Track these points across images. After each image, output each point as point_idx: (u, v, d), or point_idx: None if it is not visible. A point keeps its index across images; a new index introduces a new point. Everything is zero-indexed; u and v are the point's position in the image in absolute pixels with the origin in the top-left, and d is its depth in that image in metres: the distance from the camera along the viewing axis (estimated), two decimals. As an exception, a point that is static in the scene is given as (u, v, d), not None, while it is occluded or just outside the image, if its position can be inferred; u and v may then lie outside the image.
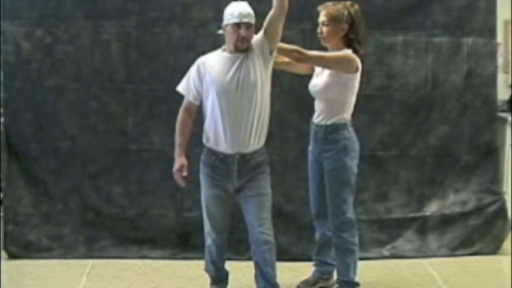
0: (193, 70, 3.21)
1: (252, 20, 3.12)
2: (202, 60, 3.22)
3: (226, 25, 3.12)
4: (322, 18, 3.36)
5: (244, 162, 3.16)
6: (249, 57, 3.13)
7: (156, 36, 4.14)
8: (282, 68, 3.47)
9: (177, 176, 3.26)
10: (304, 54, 3.30)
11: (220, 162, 3.17)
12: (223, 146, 3.15)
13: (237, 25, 3.08)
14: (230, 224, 3.36)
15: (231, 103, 3.10)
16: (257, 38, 3.15)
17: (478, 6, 4.27)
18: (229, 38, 3.12)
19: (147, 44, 4.15)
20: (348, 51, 3.32)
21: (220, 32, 3.20)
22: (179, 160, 3.24)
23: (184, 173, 3.23)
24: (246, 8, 3.11)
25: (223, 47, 3.21)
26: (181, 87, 3.26)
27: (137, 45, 4.14)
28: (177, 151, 3.26)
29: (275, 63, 3.28)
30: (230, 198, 3.27)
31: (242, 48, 3.11)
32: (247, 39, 3.10)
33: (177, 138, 3.26)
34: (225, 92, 3.10)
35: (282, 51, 3.30)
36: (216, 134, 3.15)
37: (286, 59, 3.39)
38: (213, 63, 3.16)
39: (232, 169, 3.16)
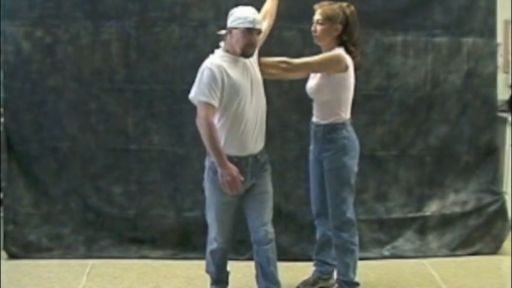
0: (212, 75, 3.03)
1: (262, 27, 3.12)
2: (216, 64, 3.07)
3: (236, 28, 3.07)
4: (317, 16, 3.36)
5: (256, 162, 3.17)
6: (250, 63, 3.18)
7: (156, 36, 4.14)
8: (276, 78, 3.45)
9: (233, 184, 3.05)
10: (291, 64, 3.30)
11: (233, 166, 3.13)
12: (238, 149, 3.11)
13: (249, 30, 3.06)
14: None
15: (248, 105, 3.10)
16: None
17: (478, 6, 4.27)
18: (238, 42, 3.08)
19: (147, 44, 4.14)
20: (339, 51, 3.31)
21: (223, 32, 3.17)
22: (231, 167, 3.04)
23: (242, 178, 3.08)
24: (257, 15, 3.10)
25: (225, 48, 3.16)
26: (204, 96, 3.02)
27: (137, 45, 4.14)
28: (222, 159, 3.03)
29: (267, 74, 3.30)
30: (237, 201, 3.25)
31: (249, 53, 3.11)
32: (255, 46, 3.11)
33: (216, 147, 3.02)
34: (246, 94, 3.09)
35: (269, 66, 3.29)
36: (232, 138, 3.10)
37: (273, 71, 3.34)
38: (228, 66, 3.09)
39: (246, 171, 3.14)
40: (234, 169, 3.05)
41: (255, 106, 3.14)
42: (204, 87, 3.04)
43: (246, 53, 3.10)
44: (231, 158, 3.11)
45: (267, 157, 3.26)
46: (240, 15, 3.07)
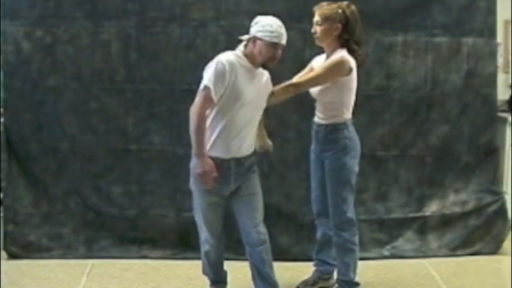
0: (222, 71, 3.00)
1: (285, 42, 3.13)
2: (231, 61, 3.04)
3: (261, 39, 3.05)
4: (316, 18, 3.36)
5: (240, 165, 3.16)
6: (264, 79, 3.19)
7: (156, 36, 4.14)
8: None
9: (205, 177, 3.04)
10: (298, 85, 3.33)
11: (216, 168, 3.11)
12: (222, 152, 3.11)
13: (275, 45, 3.06)
14: (229, 225, 3.35)
15: (245, 114, 3.09)
16: (271, 86, 3.25)
17: (478, 6, 4.27)
18: (261, 53, 3.07)
19: (147, 44, 4.14)
20: (340, 53, 3.31)
21: (245, 37, 3.14)
22: (206, 160, 3.03)
23: (215, 173, 3.06)
24: (283, 29, 3.09)
25: (244, 52, 3.12)
26: (211, 83, 3.00)
27: (137, 45, 4.14)
28: (200, 151, 3.02)
29: (279, 100, 3.34)
30: (224, 202, 3.25)
31: (270, 67, 3.13)
32: (277, 60, 3.11)
33: (198, 138, 3.01)
34: (246, 103, 3.07)
35: (279, 94, 3.30)
36: (221, 140, 3.09)
37: (284, 97, 3.36)
38: (241, 72, 3.08)
39: (229, 173, 3.14)
40: (208, 164, 3.03)
41: (250, 117, 3.12)
42: (212, 79, 3.01)
43: (267, 66, 3.12)
44: (213, 159, 3.10)
45: (253, 160, 3.23)
46: (267, 27, 3.05)
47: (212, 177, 3.05)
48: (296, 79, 3.42)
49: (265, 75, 3.22)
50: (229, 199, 3.23)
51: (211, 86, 2.99)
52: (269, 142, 3.42)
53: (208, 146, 3.09)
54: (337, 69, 3.27)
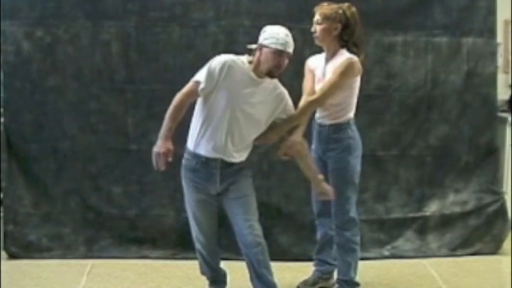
0: (213, 69, 3.04)
1: (291, 51, 3.12)
2: (226, 61, 3.05)
3: (267, 47, 3.06)
4: (316, 17, 3.37)
5: (227, 166, 3.14)
6: (272, 95, 3.17)
7: (156, 36, 4.14)
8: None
9: (158, 159, 3.04)
10: (316, 102, 3.31)
11: (202, 166, 3.13)
12: (204, 150, 3.11)
13: (280, 52, 3.06)
14: (228, 225, 3.33)
15: (231, 121, 3.07)
16: (285, 103, 3.22)
17: (478, 6, 4.28)
18: (267, 61, 3.07)
19: (147, 44, 4.14)
20: (345, 53, 3.31)
21: (253, 46, 3.14)
22: (166, 144, 3.04)
23: (170, 159, 3.07)
24: (290, 37, 3.10)
25: (250, 59, 3.14)
26: (200, 77, 3.06)
27: (137, 45, 4.14)
28: (165, 133, 3.05)
29: (305, 119, 3.36)
30: (214, 201, 3.25)
31: (275, 75, 3.12)
32: (282, 68, 3.11)
33: (168, 122, 3.06)
34: (232, 109, 3.06)
35: (300, 115, 3.29)
36: (208, 139, 3.10)
37: (309, 114, 3.37)
38: (242, 79, 3.08)
39: (215, 173, 3.13)
40: (166, 147, 3.04)
41: (240, 127, 3.10)
42: (203, 74, 3.06)
43: (272, 74, 3.11)
44: (199, 157, 3.13)
45: (245, 164, 3.21)
46: (273, 34, 3.07)
47: (165, 160, 3.05)
48: (309, 96, 3.38)
49: (275, 91, 3.18)
50: (220, 201, 3.23)
51: (199, 80, 3.05)
52: (326, 186, 3.34)
53: (196, 142, 3.13)
54: (351, 72, 3.27)
